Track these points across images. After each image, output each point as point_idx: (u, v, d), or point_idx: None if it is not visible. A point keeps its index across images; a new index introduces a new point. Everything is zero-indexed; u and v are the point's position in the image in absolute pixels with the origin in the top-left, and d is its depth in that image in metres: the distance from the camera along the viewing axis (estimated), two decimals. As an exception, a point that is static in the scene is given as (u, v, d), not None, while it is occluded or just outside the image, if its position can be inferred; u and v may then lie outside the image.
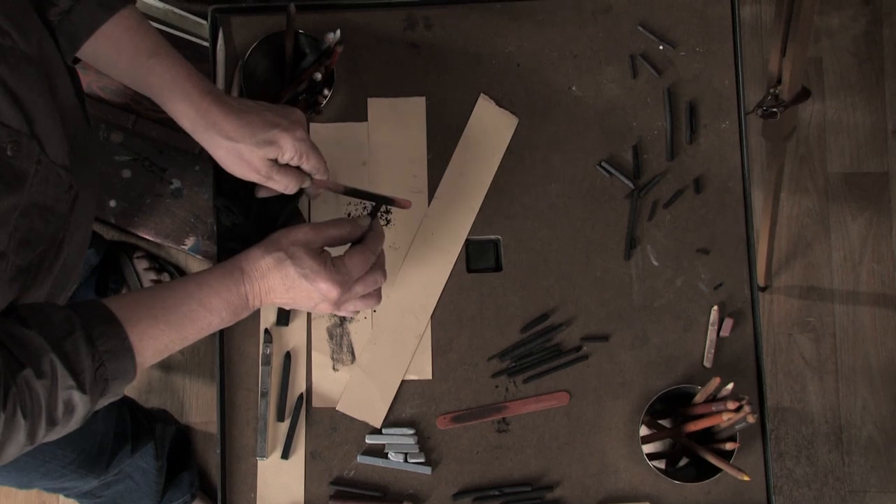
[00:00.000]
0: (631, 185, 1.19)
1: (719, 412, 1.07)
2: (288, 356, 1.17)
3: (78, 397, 0.83)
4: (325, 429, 1.16)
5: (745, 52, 1.28)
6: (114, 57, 1.01)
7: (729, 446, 1.09)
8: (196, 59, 1.22)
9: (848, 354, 2.01)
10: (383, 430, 1.16)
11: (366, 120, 1.21)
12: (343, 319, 1.17)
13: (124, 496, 1.67)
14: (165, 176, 1.80)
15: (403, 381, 1.17)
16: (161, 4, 1.63)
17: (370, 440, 1.16)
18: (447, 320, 1.18)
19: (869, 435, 1.99)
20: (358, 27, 1.21)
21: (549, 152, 1.20)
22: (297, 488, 1.16)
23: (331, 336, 1.17)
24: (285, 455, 1.15)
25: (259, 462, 1.16)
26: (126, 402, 1.66)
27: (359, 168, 1.20)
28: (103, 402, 0.88)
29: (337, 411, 1.16)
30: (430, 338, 1.17)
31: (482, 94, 1.21)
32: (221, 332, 1.17)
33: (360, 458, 1.16)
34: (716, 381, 1.08)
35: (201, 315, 0.93)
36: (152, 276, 1.91)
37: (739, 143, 1.20)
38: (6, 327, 0.83)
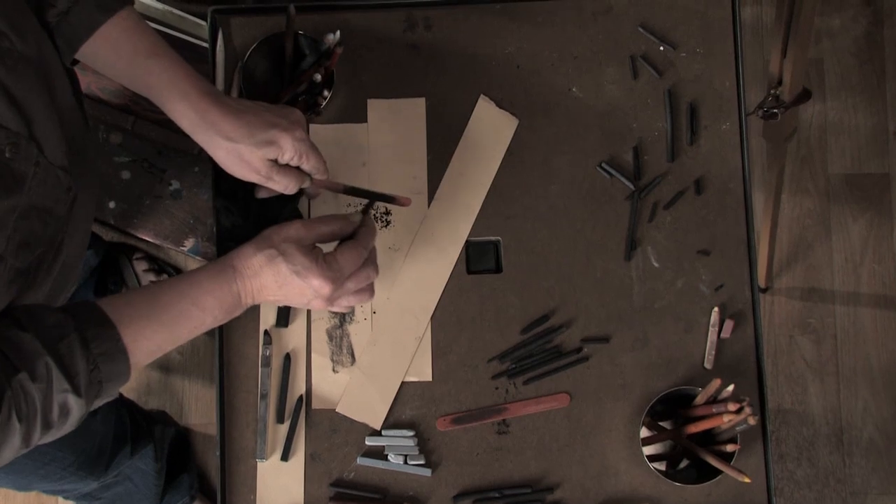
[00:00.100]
0: (631, 187, 1.19)
1: (720, 414, 1.07)
2: (288, 358, 1.16)
3: (73, 400, 0.83)
4: (325, 430, 1.16)
5: (745, 53, 1.28)
6: (112, 58, 1.01)
7: (730, 448, 1.09)
8: (195, 60, 1.22)
9: (849, 356, 2.01)
10: (383, 432, 1.16)
11: (365, 121, 1.20)
12: (343, 321, 1.17)
13: (123, 498, 1.67)
14: (165, 177, 1.80)
15: (403, 383, 1.17)
16: (160, 5, 1.63)
17: (370, 442, 1.16)
18: (447, 322, 1.18)
19: (870, 437, 1.99)
20: (358, 28, 1.21)
21: (550, 153, 1.20)
22: (297, 490, 1.15)
23: (330, 338, 1.17)
24: (285, 457, 1.15)
25: (259, 464, 1.15)
26: (125, 403, 1.66)
27: (358, 169, 1.20)
28: (98, 403, 0.87)
29: (337, 413, 1.16)
30: (429, 339, 1.17)
31: (482, 96, 1.21)
32: (221, 334, 1.17)
33: (360, 460, 1.15)
34: (716, 383, 1.07)
35: (194, 314, 0.93)
36: (151, 277, 1.90)
37: (740, 145, 1.20)
38: (1, 330, 0.82)
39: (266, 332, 1.16)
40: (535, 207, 1.19)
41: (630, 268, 1.18)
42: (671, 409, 1.17)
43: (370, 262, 1.03)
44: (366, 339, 1.17)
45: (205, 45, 1.65)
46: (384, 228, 1.19)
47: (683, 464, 1.18)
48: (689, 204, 1.19)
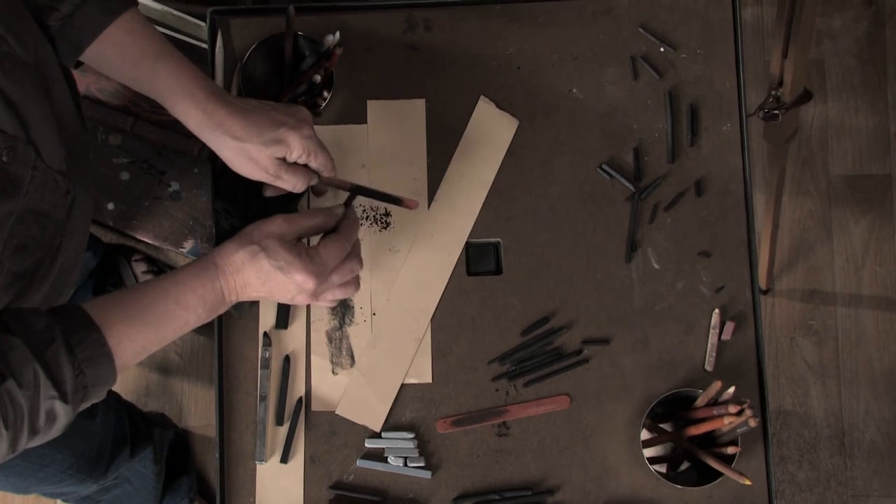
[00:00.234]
0: (632, 188, 1.19)
1: (721, 416, 1.07)
2: (287, 360, 1.16)
3: (60, 407, 0.82)
4: (325, 433, 1.16)
5: (746, 54, 1.27)
6: (117, 60, 1.01)
7: (730, 450, 1.09)
8: (195, 61, 1.21)
9: (850, 358, 2.01)
10: (383, 434, 1.15)
11: (365, 122, 1.20)
12: (342, 323, 1.17)
13: (123, 501, 1.67)
14: (164, 178, 1.79)
15: (403, 385, 1.16)
16: (159, 6, 1.63)
17: (370, 444, 1.15)
18: (447, 323, 1.17)
19: (872, 439, 1.99)
20: (357, 29, 1.21)
21: (550, 155, 1.20)
22: (297, 492, 1.15)
23: (330, 339, 1.17)
24: (284, 459, 1.15)
25: (258, 466, 1.15)
26: (124, 406, 1.65)
27: (358, 170, 1.19)
28: (84, 406, 0.87)
29: (336, 415, 1.16)
30: (429, 341, 1.17)
31: (482, 97, 1.20)
32: (220, 335, 1.17)
33: (360, 462, 1.15)
34: (717, 385, 1.07)
35: (178, 313, 0.92)
36: (151, 278, 1.90)
37: (741, 146, 1.20)
38: None
39: (265, 334, 1.16)
40: (535, 209, 1.19)
41: (630, 269, 1.18)
42: (672, 411, 1.16)
43: (354, 254, 1.02)
44: (365, 341, 1.17)
45: (204, 46, 1.64)
46: (384, 230, 1.18)
47: (684, 466, 1.18)
48: (689, 205, 1.19)
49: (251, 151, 1.01)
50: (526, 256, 1.18)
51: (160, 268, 1.95)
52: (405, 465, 1.14)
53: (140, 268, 1.91)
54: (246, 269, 0.95)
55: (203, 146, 1.48)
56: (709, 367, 1.17)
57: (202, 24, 1.65)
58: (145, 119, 1.78)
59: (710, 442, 1.13)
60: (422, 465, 1.15)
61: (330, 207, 1.02)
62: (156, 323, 0.90)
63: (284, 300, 0.99)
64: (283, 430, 1.15)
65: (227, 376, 1.17)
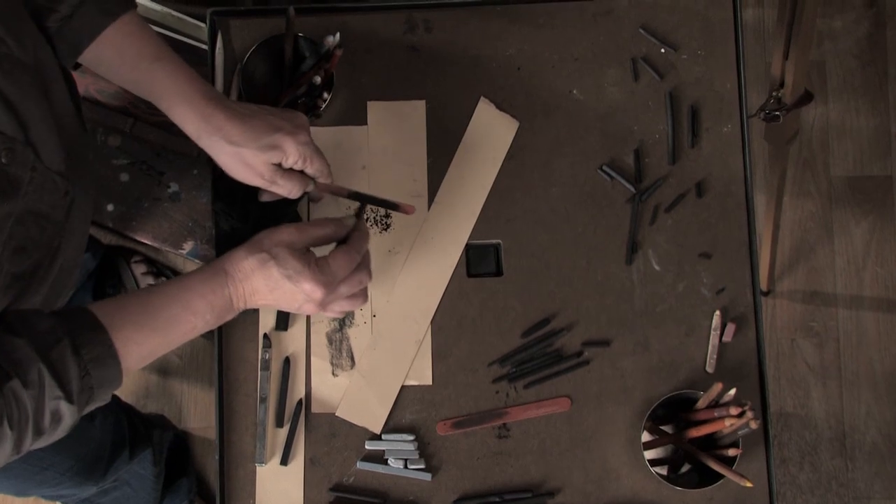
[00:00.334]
0: (632, 189, 1.18)
1: (721, 418, 1.07)
2: (287, 361, 1.16)
3: (65, 407, 0.82)
4: (325, 435, 1.15)
5: (747, 55, 1.27)
6: (116, 62, 1.01)
7: (731, 452, 1.08)
8: (194, 62, 1.21)
9: (851, 359, 2.00)
10: (383, 436, 1.15)
11: (365, 123, 1.20)
12: (342, 325, 1.16)
13: (122, 503, 1.66)
14: (163, 180, 1.79)
15: (403, 387, 1.16)
16: (159, 7, 1.63)
17: (370, 446, 1.15)
18: (447, 325, 1.17)
19: (873, 441, 1.98)
20: (357, 30, 1.21)
21: (550, 156, 1.20)
22: (297, 494, 1.15)
23: (330, 341, 1.17)
24: (284, 461, 1.14)
25: (258, 468, 1.15)
26: (124, 408, 1.65)
27: (358, 172, 1.19)
28: (90, 408, 0.87)
29: (336, 417, 1.16)
30: (430, 343, 1.17)
31: (482, 98, 1.20)
32: (220, 337, 1.16)
33: (360, 465, 1.15)
34: (718, 387, 1.07)
35: (185, 318, 0.92)
36: (150, 280, 1.90)
37: (742, 147, 1.20)
38: None
39: (265, 336, 1.16)
40: (535, 210, 1.19)
41: (631, 271, 1.18)
42: (673, 413, 1.16)
43: (363, 266, 1.02)
44: (365, 343, 1.16)
45: (204, 47, 1.64)
46: (384, 231, 1.18)
47: (685, 468, 1.18)
48: (690, 207, 1.19)
49: (247, 156, 1.01)
50: (526, 258, 1.18)
51: (159, 269, 1.95)
52: (405, 467, 1.14)
53: (139, 269, 1.90)
54: (255, 276, 0.95)
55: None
56: (710, 369, 1.17)
57: (202, 25, 1.65)
58: (145, 120, 1.78)
59: (711, 444, 1.13)
60: (422, 467, 1.14)
61: (341, 218, 1.02)
62: (163, 327, 0.90)
63: (292, 309, 1.00)
64: (283, 432, 1.15)
65: (226, 378, 1.16)
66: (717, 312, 1.17)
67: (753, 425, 1.05)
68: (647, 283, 1.18)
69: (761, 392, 1.16)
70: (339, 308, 1.02)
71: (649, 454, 1.15)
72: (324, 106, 1.17)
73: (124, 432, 1.57)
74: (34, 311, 0.85)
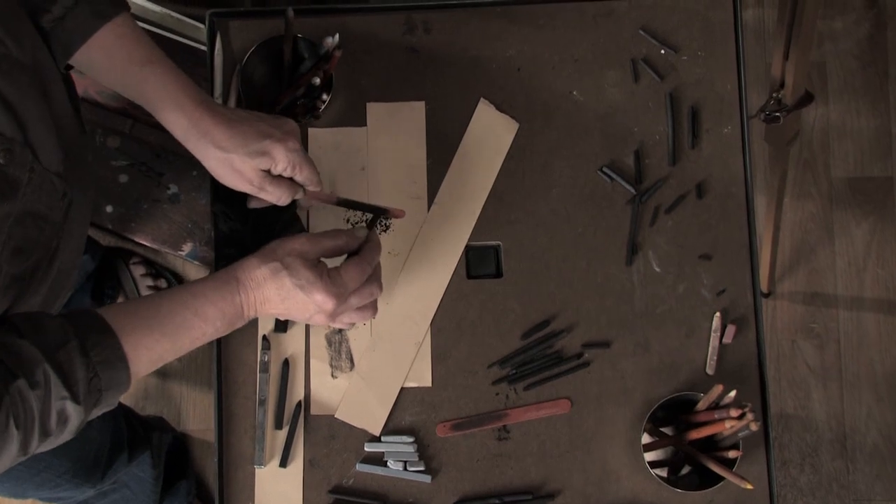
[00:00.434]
0: (632, 191, 1.18)
1: (722, 420, 1.07)
2: (286, 363, 1.16)
3: (72, 408, 0.82)
4: (324, 437, 1.15)
5: (747, 56, 1.27)
6: (107, 65, 1.00)
7: (732, 454, 1.08)
8: (193, 63, 1.21)
9: (852, 361, 2.00)
10: (382, 438, 1.15)
11: (365, 125, 1.20)
12: (342, 326, 1.16)
13: (121, 505, 1.66)
14: (163, 181, 1.79)
15: (403, 389, 1.16)
16: (158, 8, 1.63)
17: (369, 448, 1.15)
18: (447, 327, 1.17)
19: (874, 442, 1.98)
20: (357, 31, 1.21)
21: (550, 157, 1.19)
22: (296, 497, 1.14)
23: (329, 343, 1.16)
24: (283, 463, 1.14)
25: (257, 470, 1.15)
26: (122, 410, 1.65)
27: (357, 173, 1.19)
28: (97, 413, 0.87)
29: (335, 419, 1.15)
30: (429, 345, 1.16)
31: (482, 99, 1.20)
32: (219, 339, 1.16)
33: (359, 467, 1.14)
34: (718, 389, 1.07)
35: (196, 325, 0.92)
36: (149, 282, 1.90)
37: (742, 148, 1.19)
38: None
39: (264, 338, 1.16)
40: (535, 212, 1.18)
41: (631, 272, 1.18)
42: (673, 414, 1.16)
43: (374, 278, 1.02)
44: (365, 345, 1.16)
45: (203, 48, 1.64)
46: (383, 233, 1.18)
47: (685, 470, 1.17)
48: (690, 208, 1.19)
49: (235, 162, 1.01)
50: (526, 259, 1.18)
51: (158, 271, 1.94)
52: (405, 469, 1.14)
53: (138, 271, 1.90)
54: (267, 285, 0.95)
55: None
56: (710, 371, 1.16)
57: (201, 26, 1.65)
58: (144, 122, 1.78)
59: (712, 446, 1.13)
60: (421, 469, 1.14)
61: (353, 229, 1.02)
62: (173, 333, 0.91)
63: (302, 319, 1.00)
64: (282, 434, 1.15)
65: (226, 380, 1.16)
66: (718, 314, 1.17)
67: (754, 427, 1.05)
68: (647, 285, 1.17)
69: (762, 394, 1.16)
70: (348, 319, 1.02)
71: (649, 456, 1.15)
72: (323, 107, 1.16)
73: (123, 434, 1.57)
74: (41, 313, 0.86)
